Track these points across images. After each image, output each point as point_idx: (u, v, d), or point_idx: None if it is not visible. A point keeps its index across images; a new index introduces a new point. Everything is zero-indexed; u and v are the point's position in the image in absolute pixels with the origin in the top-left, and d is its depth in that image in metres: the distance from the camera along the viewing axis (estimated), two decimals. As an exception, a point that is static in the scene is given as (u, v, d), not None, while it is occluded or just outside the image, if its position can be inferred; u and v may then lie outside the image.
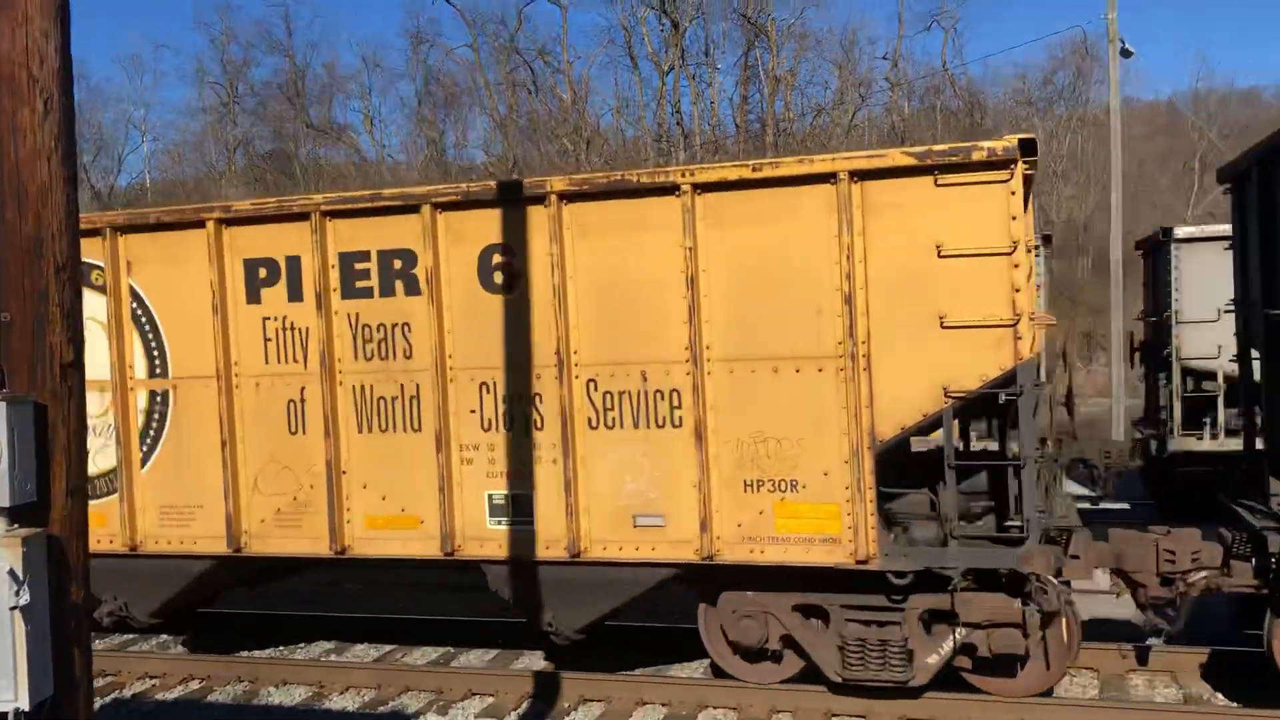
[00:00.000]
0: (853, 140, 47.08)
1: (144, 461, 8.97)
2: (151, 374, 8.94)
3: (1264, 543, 7.62)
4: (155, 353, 8.94)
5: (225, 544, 8.72)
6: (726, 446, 7.60)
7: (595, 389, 7.86)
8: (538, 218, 7.92)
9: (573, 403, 7.87)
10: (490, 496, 8.12)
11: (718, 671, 8.63)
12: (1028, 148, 7.04)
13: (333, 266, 8.35)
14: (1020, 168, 7.04)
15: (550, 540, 8.01)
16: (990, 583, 7.62)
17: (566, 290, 7.82)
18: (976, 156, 7.03)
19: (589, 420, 7.87)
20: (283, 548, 8.63)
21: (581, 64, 56.03)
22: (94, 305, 8.89)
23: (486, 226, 8.05)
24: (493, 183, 8.37)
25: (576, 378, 7.86)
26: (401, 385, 8.27)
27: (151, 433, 8.96)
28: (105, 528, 9.05)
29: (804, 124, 48.93)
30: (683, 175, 7.55)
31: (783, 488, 7.50)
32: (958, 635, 7.67)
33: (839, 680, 7.86)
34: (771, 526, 7.55)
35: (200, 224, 8.66)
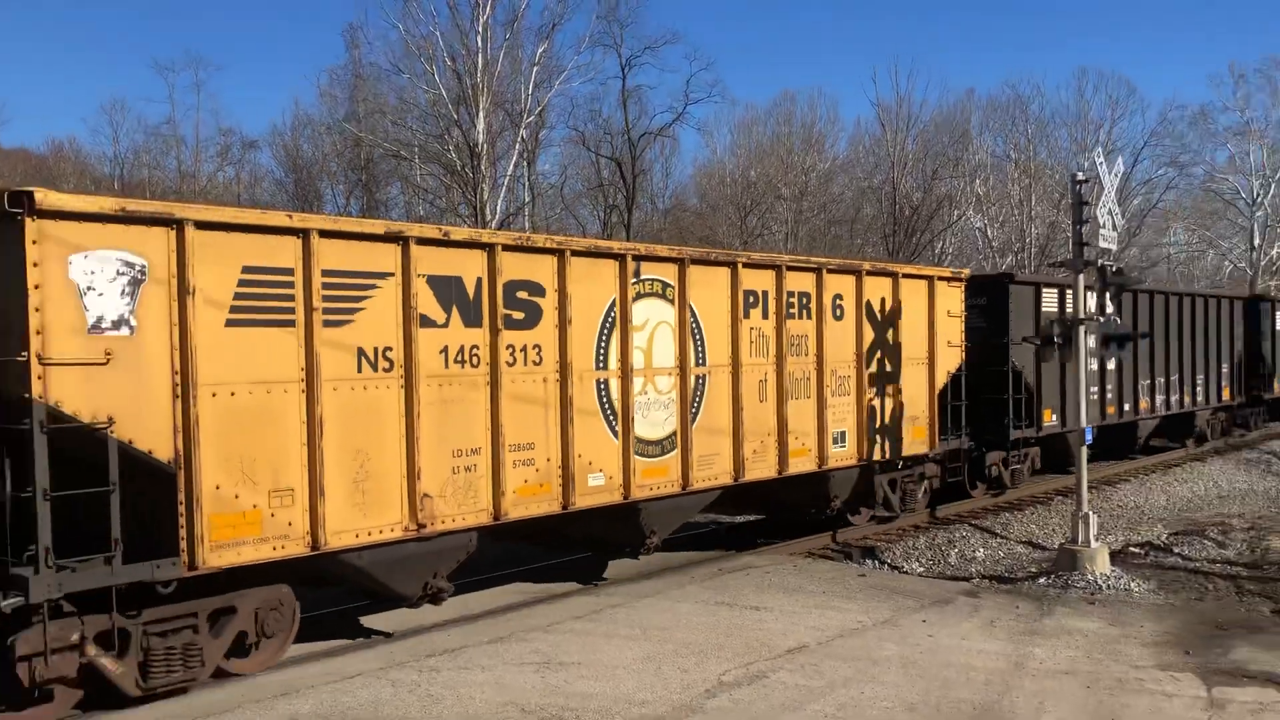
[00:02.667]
0: None
1: (690, 425, 13.82)
2: (698, 363, 13.92)
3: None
4: (700, 349, 13.94)
5: (731, 477, 14.45)
6: (901, 400, 17.24)
7: (878, 371, 16.68)
8: (852, 281, 16.28)
9: (864, 377, 16.51)
10: (834, 433, 16.01)
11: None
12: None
13: (784, 298, 15.07)
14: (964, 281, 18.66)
15: (851, 455, 16.42)
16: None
17: (864, 321, 16.42)
18: (963, 274, 18.43)
19: (854, 389, 16.55)
20: (754, 475, 14.84)
21: None
22: (667, 313, 13.56)
23: (841, 282, 16.03)
24: (867, 263, 16.21)
25: (866, 368, 16.53)
26: (806, 371, 15.58)
27: (695, 404, 13.88)
28: (665, 476, 13.57)
29: None
30: (871, 267, 17.18)
31: (913, 419, 17.56)
32: (929, 484, 18.68)
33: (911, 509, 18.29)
34: (911, 436, 17.52)
35: (731, 264, 14.27)
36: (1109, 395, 23.59)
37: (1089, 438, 16.07)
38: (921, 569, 16.30)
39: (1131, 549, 17.25)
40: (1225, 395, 30.02)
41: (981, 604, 13.45)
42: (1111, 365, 23.24)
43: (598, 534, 13.90)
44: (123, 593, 9.39)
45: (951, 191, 62.32)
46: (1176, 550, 17.19)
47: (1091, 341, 16.10)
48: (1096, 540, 15.49)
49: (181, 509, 9.49)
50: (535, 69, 43.74)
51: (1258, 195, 69.00)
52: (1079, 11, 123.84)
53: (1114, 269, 16.19)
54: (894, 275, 17.32)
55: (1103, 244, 15.93)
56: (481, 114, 41.50)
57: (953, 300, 18.51)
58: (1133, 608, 13.43)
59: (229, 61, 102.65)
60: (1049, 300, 21.18)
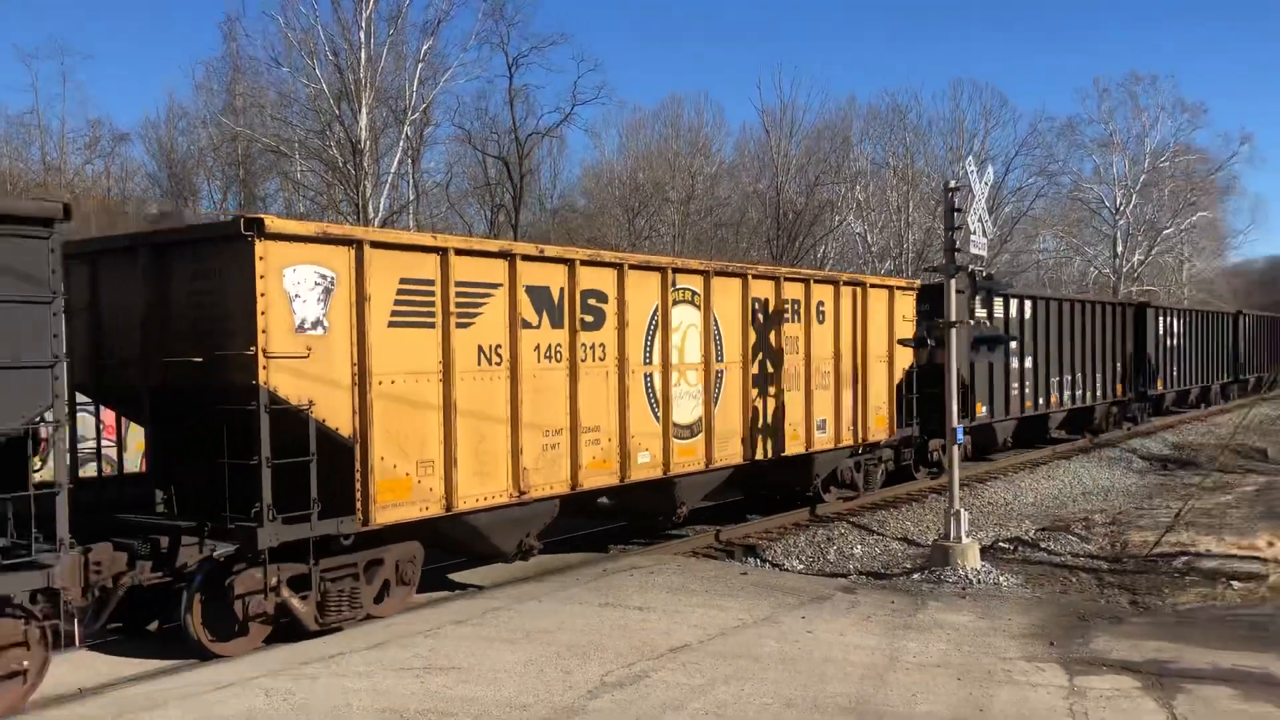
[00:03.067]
0: None
1: (713, 412, 16.44)
2: (718, 360, 16.63)
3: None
4: (719, 348, 16.58)
5: (742, 457, 17.13)
6: (867, 392, 20.09)
7: (850, 369, 19.41)
8: (831, 290, 19.03)
9: (840, 373, 19.28)
10: (818, 420, 18.80)
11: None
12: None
13: (784, 305, 17.77)
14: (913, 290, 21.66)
15: (830, 440, 19.24)
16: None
17: (840, 323, 19.20)
18: (915, 284, 21.46)
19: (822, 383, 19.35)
20: (760, 456, 17.60)
21: None
22: (694, 317, 16.15)
23: (822, 290, 18.72)
24: (844, 275, 18.91)
25: (840, 365, 19.30)
26: (797, 368, 18.32)
27: (715, 395, 16.53)
28: (694, 456, 16.16)
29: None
30: (847, 278, 20.00)
31: (877, 409, 20.41)
32: (885, 466, 21.62)
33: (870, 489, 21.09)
34: (874, 424, 20.38)
35: (742, 275, 16.94)
36: (1027, 391, 27.13)
37: (960, 438, 17.33)
38: (801, 566, 17.15)
39: (1001, 544, 18.51)
40: (1118, 391, 34.28)
41: (858, 600, 13.93)
42: (1029, 363, 26.80)
43: (639, 506, 16.56)
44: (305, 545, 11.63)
45: (833, 197, 65.09)
46: (1043, 545, 18.48)
47: (1023, 342, 19.02)
48: (968, 536, 16.38)
49: (358, 476, 11.76)
50: (420, 65, 43.72)
51: (1120, 205, 74.55)
52: (955, 23, 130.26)
53: (984, 274, 17.13)
54: (862, 285, 20.23)
55: (974, 250, 16.91)
56: (364, 110, 41.23)
57: (907, 306, 21.55)
58: (1002, 601, 14.14)
59: (98, 50, 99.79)
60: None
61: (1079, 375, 31.10)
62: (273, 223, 10.99)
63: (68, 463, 10.53)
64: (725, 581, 14.73)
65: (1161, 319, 39.05)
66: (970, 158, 20.81)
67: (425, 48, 44.00)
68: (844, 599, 13.98)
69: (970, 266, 16.89)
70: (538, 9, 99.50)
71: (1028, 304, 27.68)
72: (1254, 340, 54.98)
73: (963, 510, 16.57)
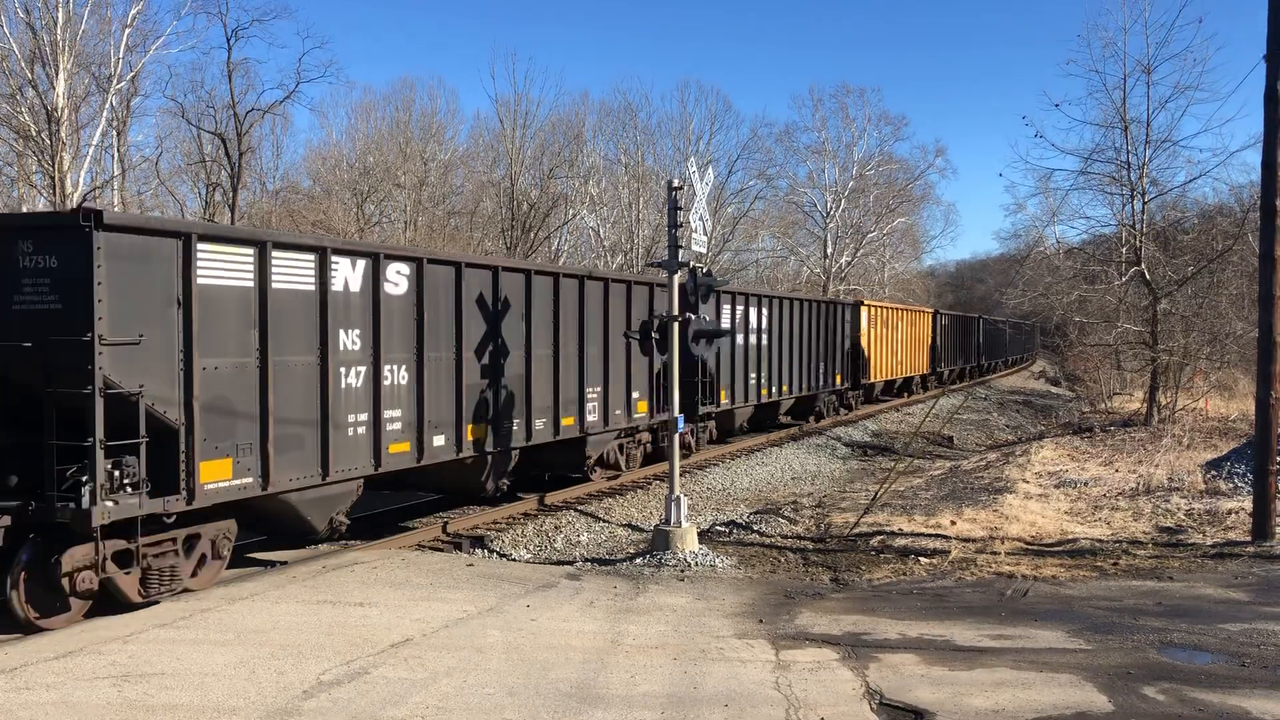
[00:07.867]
0: None
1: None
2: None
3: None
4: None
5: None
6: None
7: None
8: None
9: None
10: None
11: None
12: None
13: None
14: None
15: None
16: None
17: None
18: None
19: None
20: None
21: None
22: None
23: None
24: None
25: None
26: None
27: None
28: None
29: None
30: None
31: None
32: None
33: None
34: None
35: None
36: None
37: (681, 425, 17.52)
38: (529, 555, 17.07)
39: (718, 527, 18.89)
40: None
41: (583, 586, 14.02)
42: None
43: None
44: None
45: (567, 191, 65.16)
46: (756, 528, 18.87)
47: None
48: (687, 521, 16.69)
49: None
50: (127, 31, 40.74)
51: (830, 209, 78.07)
52: (682, 21, 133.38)
53: (704, 271, 17.15)
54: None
55: (695, 248, 17.01)
56: (62, 75, 37.74)
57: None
58: (717, 582, 14.54)
59: None
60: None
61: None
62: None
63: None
64: (451, 574, 14.41)
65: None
66: (693, 158, 21.06)
67: (134, 12, 40.77)
68: (569, 585, 14.03)
69: (692, 263, 17.06)
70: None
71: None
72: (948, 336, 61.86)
73: (682, 496, 16.84)
